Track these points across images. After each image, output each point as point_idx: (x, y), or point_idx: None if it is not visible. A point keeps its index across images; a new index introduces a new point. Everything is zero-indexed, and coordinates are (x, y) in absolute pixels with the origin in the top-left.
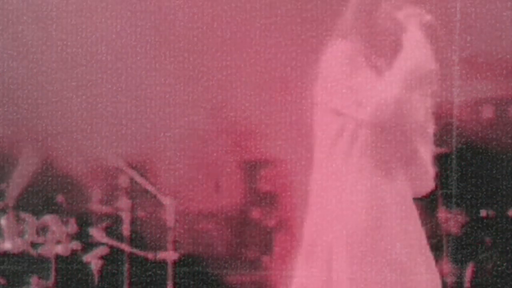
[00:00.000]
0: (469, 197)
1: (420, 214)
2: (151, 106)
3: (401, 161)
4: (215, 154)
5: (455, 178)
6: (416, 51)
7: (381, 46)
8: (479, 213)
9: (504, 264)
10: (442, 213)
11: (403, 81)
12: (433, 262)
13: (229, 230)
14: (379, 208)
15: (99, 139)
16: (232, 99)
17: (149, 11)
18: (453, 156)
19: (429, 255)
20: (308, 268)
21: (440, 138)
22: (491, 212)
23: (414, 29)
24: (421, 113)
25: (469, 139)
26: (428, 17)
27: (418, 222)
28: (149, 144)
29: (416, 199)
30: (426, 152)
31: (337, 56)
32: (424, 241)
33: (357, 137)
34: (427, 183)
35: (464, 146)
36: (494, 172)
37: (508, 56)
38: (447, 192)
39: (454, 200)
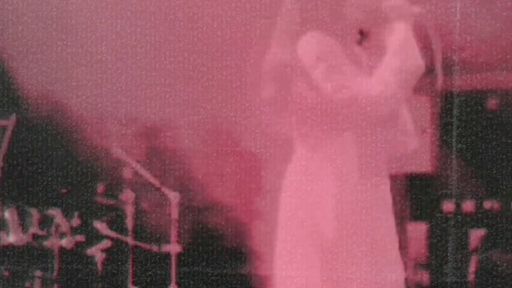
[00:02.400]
0: (469, 196)
1: (421, 214)
2: (151, 106)
3: (381, 127)
4: (215, 154)
5: (455, 178)
6: (404, 48)
7: (358, 36)
8: (481, 209)
9: (504, 264)
10: (442, 213)
11: (393, 79)
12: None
13: (234, 223)
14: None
15: (99, 139)
16: (232, 99)
17: (149, 11)
18: (453, 156)
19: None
20: (309, 268)
21: (440, 138)
22: (495, 206)
23: (399, 22)
24: (403, 101)
25: (470, 139)
26: (416, 9)
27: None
28: (149, 144)
29: (416, 199)
30: (404, 113)
31: (312, 54)
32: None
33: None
34: (408, 141)
35: (464, 146)
36: (494, 172)
37: (508, 56)
38: (447, 192)
39: (454, 200)
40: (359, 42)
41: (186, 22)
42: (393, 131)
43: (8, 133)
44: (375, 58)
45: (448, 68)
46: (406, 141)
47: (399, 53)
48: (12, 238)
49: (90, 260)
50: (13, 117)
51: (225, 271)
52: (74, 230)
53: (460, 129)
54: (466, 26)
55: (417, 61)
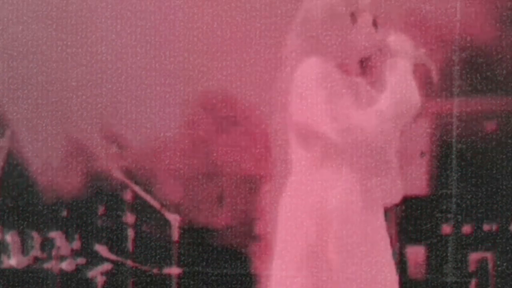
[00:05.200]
0: (469, 196)
1: (421, 214)
2: (151, 107)
3: (377, 170)
4: (216, 164)
5: (455, 178)
6: (402, 84)
7: (359, 66)
8: (480, 220)
9: (504, 264)
10: (442, 214)
11: (390, 114)
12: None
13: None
14: (373, 208)
15: (99, 139)
16: (232, 99)
17: (149, 11)
18: (453, 156)
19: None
20: (308, 268)
21: (440, 138)
22: (494, 227)
23: (401, 58)
24: (395, 136)
25: (470, 139)
26: (420, 50)
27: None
28: (149, 144)
29: (414, 221)
30: (395, 164)
31: (311, 78)
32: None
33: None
34: (396, 195)
35: (464, 146)
36: (494, 172)
37: (508, 56)
38: (447, 192)
39: (454, 200)
40: (359, 73)
41: (186, 22)
42: (386, 179)
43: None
44: (374, 90)
45: (448, 90)
46: (393, 194)
47: (398, 89)
48: (13, 260)
49: (90, 282)
50: (8, 132)
51: (225, 271)
52: (74, 253)
53: (459, 129)
54: (466, 26)
55: (414, 99)
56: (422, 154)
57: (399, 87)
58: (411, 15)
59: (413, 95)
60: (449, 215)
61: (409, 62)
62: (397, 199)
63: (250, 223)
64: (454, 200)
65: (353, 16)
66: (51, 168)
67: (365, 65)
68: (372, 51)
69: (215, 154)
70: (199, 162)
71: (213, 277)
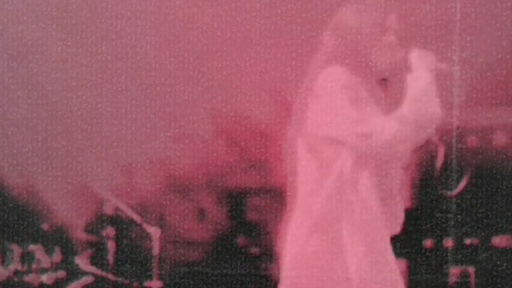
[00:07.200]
0: (469, 196)
1: (421, 214)
2: (151, 106)
3: (384, 197)
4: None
5: (455, 178)
6: (425, 95)
7: (380, 78)
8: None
9: (504, 264)
10: (441, 214)
11: (411, 121)
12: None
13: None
14: (378, 209)
15: (99, 139)
16: (232, 99)
17: (149, 11)
18: (453, 156)
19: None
20: (308, 268)
21: (440, 137)
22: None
23: (423, 71)
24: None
25: (470, 139)
26: (443, 65)
27: None
28: (149, 144)
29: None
30: (400, 197)
31: (335, 84)
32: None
33: (359, 168)
34: (397, 226)
35: (464, 146)
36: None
37: (508, 56)
38: (447, 192)
39: (454, 200)
40: (380, 84)
41: (186, 22)
42: (390, 204)
43: None
44: (394, 100)
45: (448, 90)
46: (395, 225)
47: (418, 98)
48: None
49: None
50: None
51: (225, 271)
52: (55, 266)
53: (459, 129)
54: (466, 26)
55: (436, 110)
56: (404, 166)
57: (420, 97)
58: (411, 15)
59: (434, 106)
60: (449, 215)
61: (431, 75)
62: (397, 231)
63: (232, 237)
64: (454, 200)
65: (381, 34)
66: (49, 169)
67: (386, 79)
68: (393, 67)
69: (212, 158)
70: (196, 169)
71: (213, 277)
